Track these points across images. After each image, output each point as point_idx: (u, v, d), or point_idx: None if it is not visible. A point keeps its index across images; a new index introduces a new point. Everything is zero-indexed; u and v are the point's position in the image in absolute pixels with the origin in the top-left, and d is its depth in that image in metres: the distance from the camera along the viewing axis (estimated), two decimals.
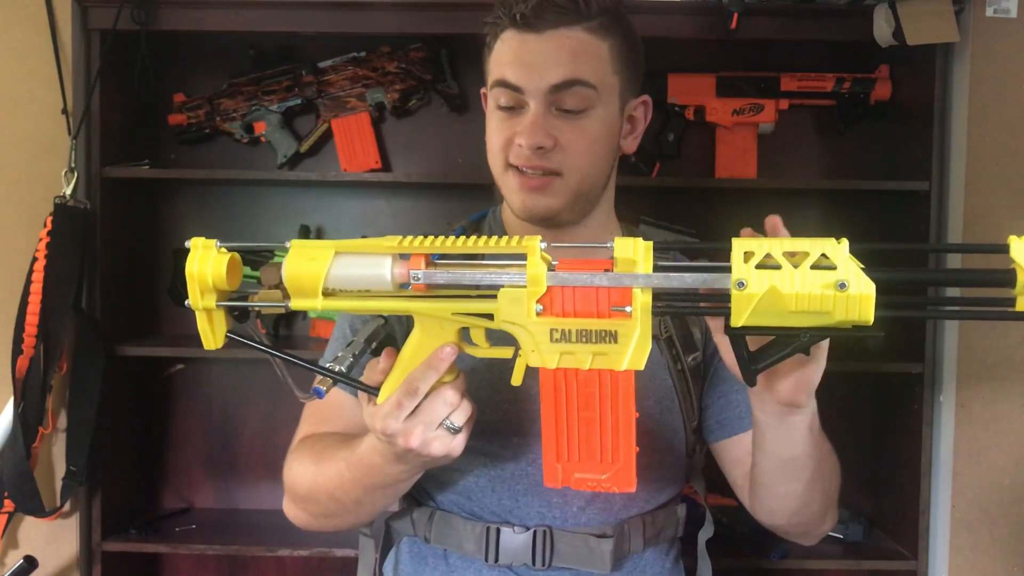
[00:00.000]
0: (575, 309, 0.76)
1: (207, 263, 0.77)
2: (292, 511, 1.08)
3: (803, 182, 1.87)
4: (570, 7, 1.00)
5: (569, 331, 0.76)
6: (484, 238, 0.76)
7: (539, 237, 0.76)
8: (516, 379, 0.82)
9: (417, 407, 0.82)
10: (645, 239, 1.17)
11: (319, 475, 1.01)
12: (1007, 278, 0.69)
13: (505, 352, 0.82)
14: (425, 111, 1.90)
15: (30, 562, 1.63)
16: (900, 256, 0.93)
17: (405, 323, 1.07)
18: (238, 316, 0.80)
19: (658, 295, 0.75)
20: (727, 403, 1.11)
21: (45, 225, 1.66)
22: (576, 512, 1.04)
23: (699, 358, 1.10)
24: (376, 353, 0.90)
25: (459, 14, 1.65)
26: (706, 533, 1.19)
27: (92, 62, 1.68)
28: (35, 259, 1.65)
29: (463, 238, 0.76)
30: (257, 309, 0.80)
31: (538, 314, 0.76)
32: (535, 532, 1.03)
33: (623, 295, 0.74)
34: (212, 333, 0.79)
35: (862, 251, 0.71)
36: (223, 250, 0.78)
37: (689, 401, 1.08)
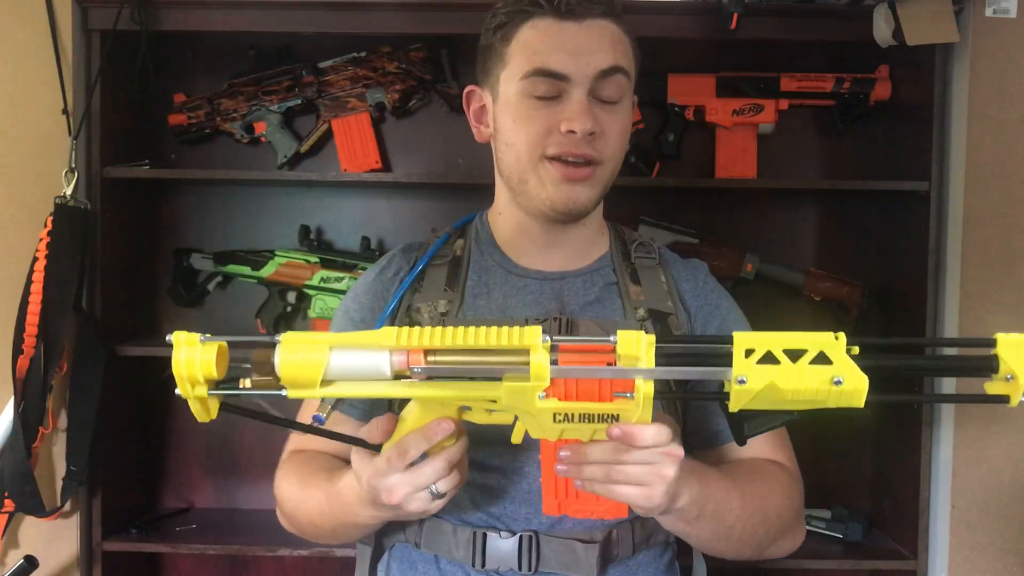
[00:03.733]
0: (577, 394, 0.78)
1: (193, 358, 0.76)
2: (282, 521, 1.14)
3: (803, 182, 1.87)
4: (607, 0, 1.03)
5: (572, 414, 0.79)
6: (484, 329, 0.76)
7: (540, 329, 0.76)
8: (516, 439, 0.85)
9: (411, 466, 0.85)
10: (645, 239, 1.17)
11: (302, 501, 1.05)
12: (990, 366, 0.75)
13: (505, 418, 0.85)
14: (425, 111, 1.90)
15: (30, 562, 1.63)
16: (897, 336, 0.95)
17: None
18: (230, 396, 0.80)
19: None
20: (705, 416, 1.11)
21: (45, 225, 1.66)
22: (562, 518, 1.04)
23: None
24: None
25: (459, 14, 1.65)
26: (705, 552, 1.18)
27: (92, 62, 1.68)
28: (35, 259, 1.65)
29: (462, 329, 0.76)
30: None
31: (541, 400, 0.78)
32: (521, 537, 1.03)
33: (626, 382, 0.77)
34: (205, 412, 0.79)
35: (859, 344, 0.75)
36: (208, 343, 0.76)
37: (673, 406, 1.09)
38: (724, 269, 1.78)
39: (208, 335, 0.77)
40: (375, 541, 1.13)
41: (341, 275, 1.81)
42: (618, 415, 0.79)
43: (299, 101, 1.84)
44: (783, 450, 1.11)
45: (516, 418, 0.83)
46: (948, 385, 1.68)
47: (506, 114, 1.06)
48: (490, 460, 1.04)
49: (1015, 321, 1.68)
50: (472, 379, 0.79)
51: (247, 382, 0.78)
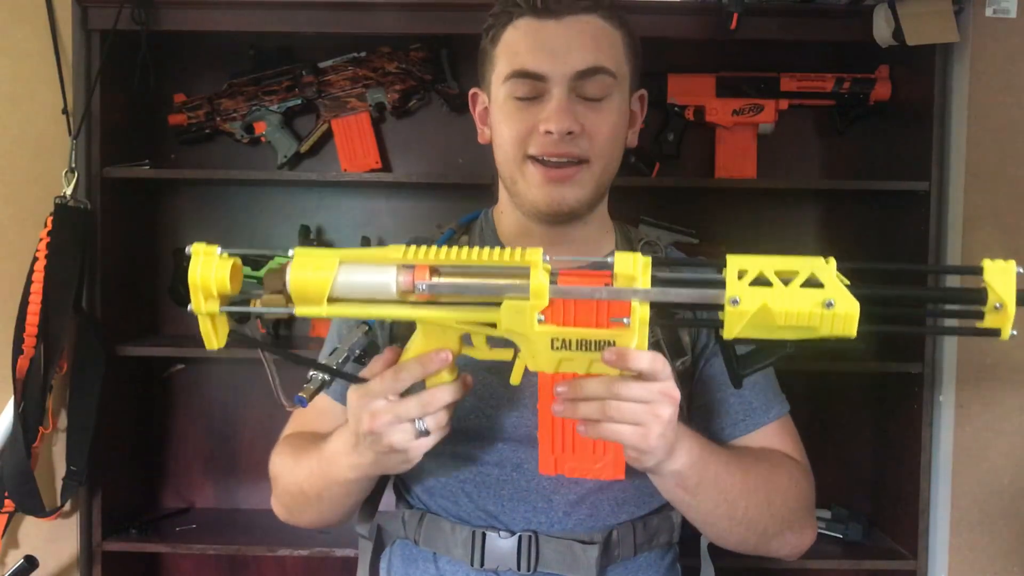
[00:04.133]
0: (575, 319, 0.78)
1: (209, 270, 0.77)
2: (274, 504, 1.14)
3: (803, 182, 1.87)
4: None
5: (569, 340, 0.79)
6: (487, 249, 0.78)
7: (541, 250, 0.77)
8: (515, 379, 0.84)
9: (398, 401, 0.84)
10: (651, 239, 1.17)
11: (294, 470, 1.05)
12: (979, 296, 0.75)
13: (505, 354, 0.85)
14: (425, 111, 1.90)
15: (30, 562, 1.64)
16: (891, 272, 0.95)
17: (389, 332, 1.08)
18: (239, 318, 0.81)
19: (654, 306, 0.78)
20: (711, 410, 1.10)
21: (45, 225, 1.66)
22: (562, 517, 1.03)
23: (688, 362, 1.09)
24: (359, 360, 0.92)
25: (459, 14, 1.65)
26: (708, 537, 1.18)
27: (92, 62, 1.68)
28: (35, 259, 1.65)
29: (466, 249, 0.78)
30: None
31: (540, 323, 0.78)
32: (520, 537, 1.03)
33: (622, 307, 0.77)
34: (215, 335, 0.80)
35: (849, 270, 0.75)
36: (225, 256, 0.78)
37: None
38: None
39: (226, 250, 0.78)
40: (376, 537, 1.13)
41: None
42: (614, 341, 0.78)
43: (299, 101, 1.84)
44: (792, 442, 1.09)
45: (516, 355, 0.84)
46: (948, 387, 1.68)
47: (497, 115, 1.06)
48: (488, 455, 1.04)
49: (1015, 320, 1.67)
50: (474, 304, 0.79)
51: (257, 303, 0.79)
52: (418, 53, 1.82)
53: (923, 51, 1.62)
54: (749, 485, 0.97)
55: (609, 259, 0.77)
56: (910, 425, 1.71)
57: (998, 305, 0.74)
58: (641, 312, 0.77)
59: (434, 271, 0.78)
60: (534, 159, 1.02)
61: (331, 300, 0.78)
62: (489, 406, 1.03)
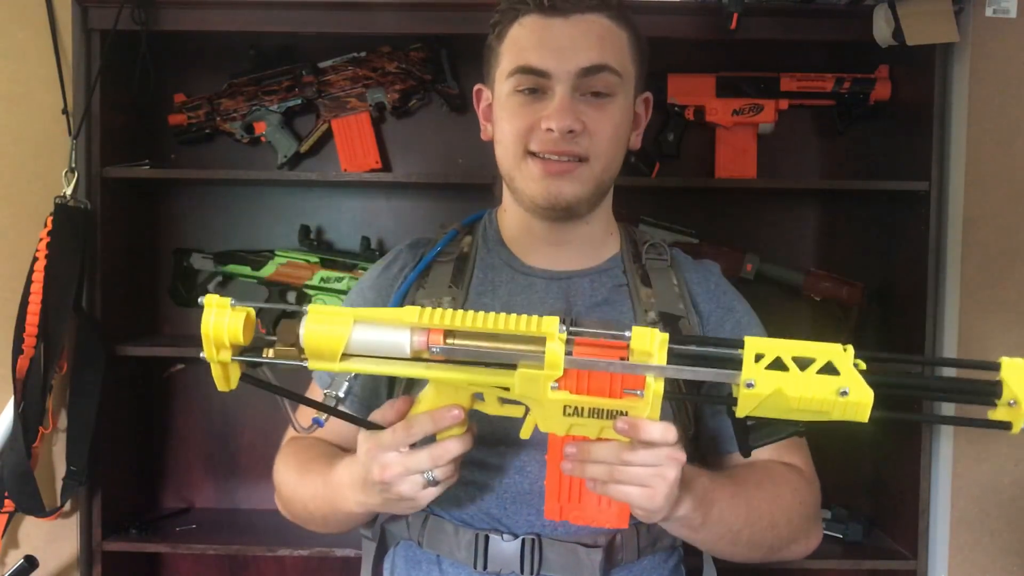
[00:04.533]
0: (589, 388, 0.79)
1: (222, 323, 0.77)
2: (278, 503, 1.15)
3: (803, 182, 1.87)
4: None
5: (582, 408, 0.80)
6: (503, 316, 0.78)
7: (557, 319, 0.78)
8: (525, 433, 0.86)
9: (409, 453, 0.86)
10: (656, 240, 1.17)
11: (300, 486, 1.06)
12: (994, 390, 0.76)
13: (516, 411, 0.86)
14: (425, 111, 1.90)
15: (30, 562, 1.64)
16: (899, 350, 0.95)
17: None
18: (250, 365, 0.81)
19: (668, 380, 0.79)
20: (718, 422, 1.11)
21: (45, 225, 1.66)
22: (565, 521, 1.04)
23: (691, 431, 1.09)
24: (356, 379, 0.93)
25: (459, 14, 1.65)
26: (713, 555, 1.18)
27: (92, 62, 1.68)
28: (35, 259, 1.65)
29: (482, 314, 0.78)
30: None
31: (553, 390, 0.79)
32: (524, 540, 1.03)
33: (636, 379, 0.78)
34: (226, 379, 0.81)
35: (867, 357, 0.77)
36: (237, 308, 0.78)
37: (684, 410, 1.08)
38: (724, 269, 1.77)
39: (238, 304, 0.78)
40: (380, 537, 1.13)
41: (341, 275, 1.81)
42: (627, 412, 0.79)
43: (299, 101, 1.84)
44: (798, 452, 1.10)
45: (527, 412, 0.85)
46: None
47: (499, 111, 1.06)
48: (491, 458, 1.03)
49: (1015, 320, 1.68)
50: (488, 365, 0.80)
51: (270, 352, 0.80)
52: (418, 53, 1.82)
53: (923, 51, 1.62)
54: (753, 514, 0.98)
55: (627, 333, 0.78)
56: (910, 425, 1.71)
57: (1012, 402, 0.75)
58: (656, 387, 0.78)
59: (449, 333, 0.79)
60: (534, 155, 1.02)
61: (344, 357, 0.79)
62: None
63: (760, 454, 1.05)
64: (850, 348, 0.76)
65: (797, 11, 1.67)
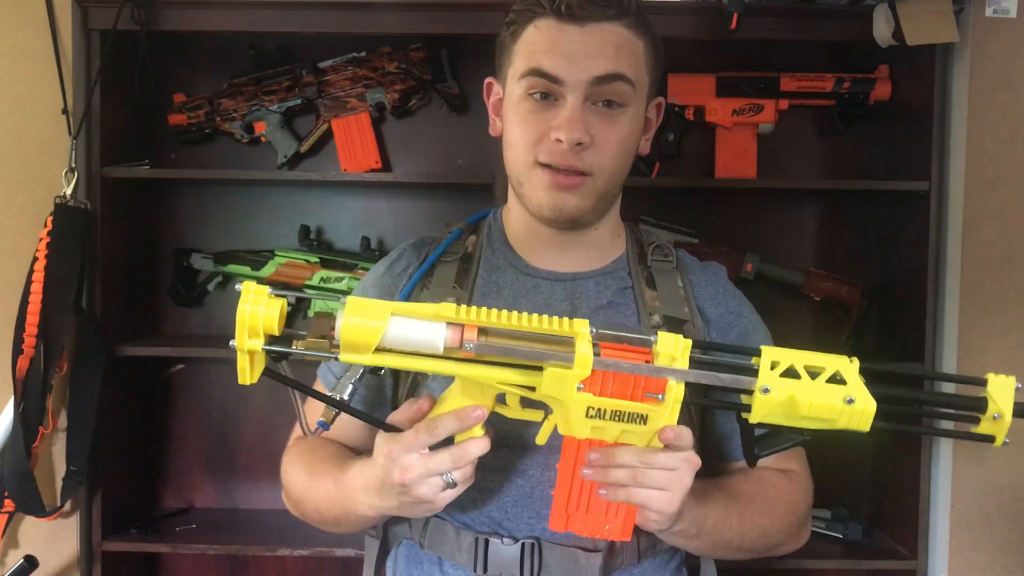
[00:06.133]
0: (612, 391, 0.82)
1: (259, 311, 0.77)
2: (287, 502, 1.13)
3: (803, 182, 1.87)
4: (613, 1, 1.00)
5: (604, 410, 0.82)
6: (536, 316, 0.80)
7: (587, 321, 0.80)
8: (542, 438, 0.88)
9: (429, 455, 0.86)
10: (662, 242, 1.17)
11: (310, 488, 1.06)
12: (980, 405, 0.83)
13: (535, 415, 0.88)
14: (425, 111, 1.90)
15: (30, 562, 1.64)
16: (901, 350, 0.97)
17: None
18: (276, 357, 0.81)
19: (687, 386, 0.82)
20: (723, 427, 1.12)
21: (45, 225, 1.66)
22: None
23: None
24: (375, 372, 0.95)
25: (459, 14, 1.65)
26: None
27: (92, 62, 1.68)
28: (35, 259, 1.65)
29: (515, 314, 0.80)
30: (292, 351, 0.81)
31: (578, 391, 0.81)
32: (524, 544, 1.03)
33: (657, 384, 0.81)
34: (250, 371, 0.80)
35: (866, 370, 0.83)
36: (273, 297, 0.77)
37: (690, 416, 1.07)
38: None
39: (275, 292, 0.78)
40: (383, 536, 1.13)
41: (341, 275, 1.81)
42: (647, 416, 0.82)
43: (299, 101, 1.84)
44: (796, 458, 1.11)
45: (545, 416, 0.87)
46: (947, 388, 1.68)
47: (510, 113, 1.05)
48: (494, 462, 1.03)
49: (1015, 320, 1.68)
50: (515, 367, 0.82)
51: (300, 344, 0.80)
52: (418, 53, 1.82)
53: (923, 51, 1.62)
54: (745, 526, 1.01)
55: (652, 337, 0.81)
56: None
57: (996, 415, 0.82)
58: (677, 391, 0.81)
59: (481, 331, 0.80)
60: (543, 165, 1.02)
61: (377, 350, 0.79)
62: (496, 415, 1.03)
63: (760, 461, 1.06)
64: (856, 361, 0.81)
65: (797, 11, 1.67)
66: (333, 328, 0.78)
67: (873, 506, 1.89)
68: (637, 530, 1.05)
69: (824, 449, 1.85)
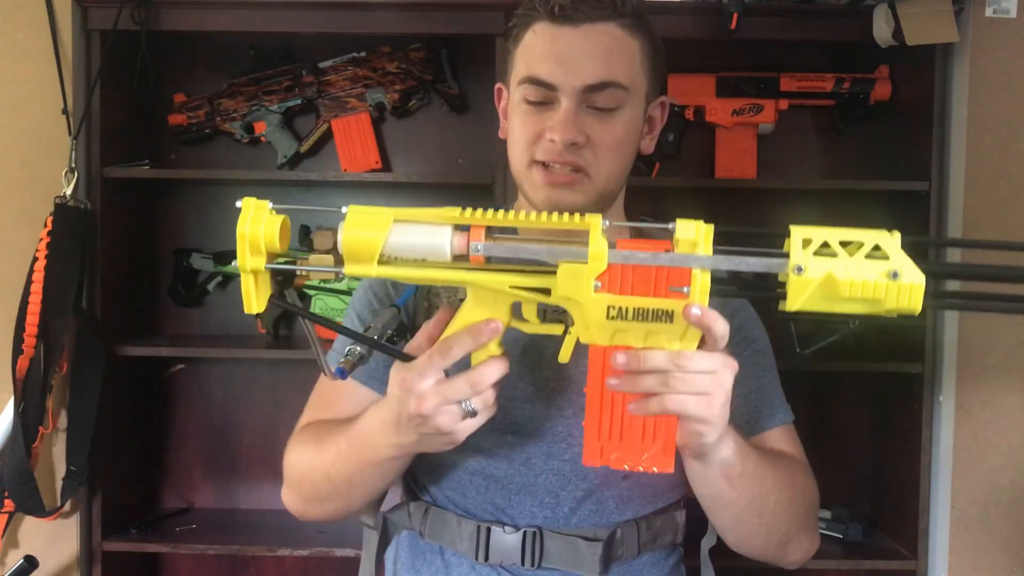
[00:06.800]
0: (632, 288, 0.76)
1: (259, 224, 0.75)
2: (288, 496, 1.08)
3: (803, 182, 1.87)
4: (607, 2, 1.00)
5: (626, 309, 0.76)
6: (544, 213, 0.76)
7: (600, 215, 0.76)
8: (564, 356, 0.82)
9: (445, 381, 0.81)
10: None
11: (317, 455, 1.00)
12: None
13: (555, 329, 0.83)
14: (425, 111, 1.90)
15: (30, 562, 1.64)
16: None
17: (421, 312, 1.06)
18: (282, 281, 0.79)
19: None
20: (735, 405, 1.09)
21: (45, 225, 1.66)
22: (567, 513, 1.04)
23: None
24: (392, 341, 0.90)
25: (459, 14, 1.65)
26: (708, 541, 1.16)
27: (92, 62, 1.68)
28: (35, 259, 1.65)
29: (523, 212, 0.76)
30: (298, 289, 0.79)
31: (596, 291, 0.76)
32: (525, 532, 1.03)
33: (681, 276, 0.75)
34: (255, 297, 0.77)
35: (910, 243, 0.74)
36: (273, 212, 0.76)
37: None
38: None
39: (276, 206, 0.76)
40: (382, 528, 1.12)
41: None
42: (672, 312, 0.76)
43: (299, 101, 1.84)
44: (797, 448, 1.10)
45: (565, 331, 0.81)
46: (948, 387, 1.68)
47: (512, 115, 1.07)
48: (498, 448, 1.03)
49: (1015, 320, 1.68)
50: (527, 273, 0.78)
51: (305, 260, 0.78)
52: (418, 53, 1.82)
53: (923, 51, 1.62)
54: (779, 482, 0.97)
55: (670, 225, 0.76)
56: (910, 425, 1.71)
57: None
58: (703, 280, 0.75)
59: (489, 233, 0.76)
60: (540, 164, 1.03)
61: (382, 261, 0.76)
62: (503, 396, 1.03)
63: (759, 443, 1.05)
64: (896, 233, 0.73)
65: (797, 11, 1.67)
66: (337, 242, 0.76)
67: (873, 506, 1.89)
68: (638, 522, 1.05)
69: (824, 449, 1.86)
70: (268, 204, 0.76)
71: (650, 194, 1.85)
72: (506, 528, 1.03)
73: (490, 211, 0.76)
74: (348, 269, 0.77)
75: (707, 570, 1.18)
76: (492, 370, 0.82)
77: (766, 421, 1.08)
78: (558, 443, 1.03)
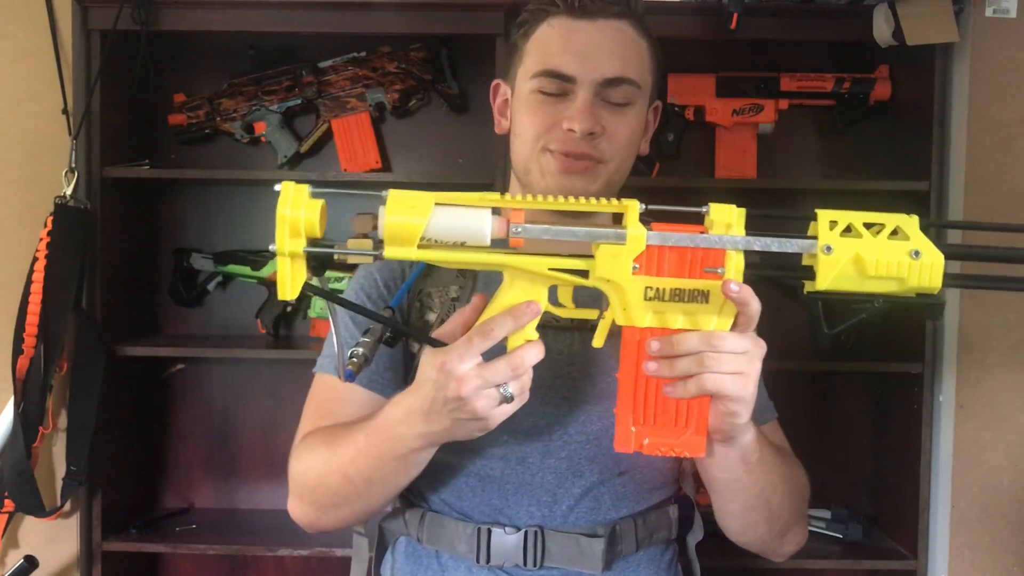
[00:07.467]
0: (668, 270, 0.79)
1: (299, 207, 0.75)
2: (298, 508, 1.05)
3: (803, 182, 1.87)
4: (622, 0, 1.02)
5: (663, 290, 0.79)
6: (583, 198, 0.78)
7: (637, 200, 0.79)
8: (598, 341, 0.84)
9: (485, 364, 0.81)
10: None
11: (333, 456, 0.98)
12: None
13: (590, 314, 0.84)
14: (425, 111, 1.90)
15: (30, 562, 1.64)
16: None
17: (413, 312, 1.06)
18: (316, 268, 0.79)
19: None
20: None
21: (45, 225, 1.66)
22: (565, 511, 1.03)
23: None
24: (389, 343, 0.90)
25: (459, 14, 1.65)
26: (695, 536, 1.18)
27: (92, 62, 1.68)
28: (35, 259, 1.65)
29: (561, 198, 0.78)
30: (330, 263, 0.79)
31: (634, 272, 0.79)
32: (526, 532, 1.02)
33: (715, 258, 0.79)
34: (290, 283, 0.78)
35: (926, 226, 0.80)
36: (313, 198, 0.76)
37: None
38: None
39: (316, 191, 0.76)
40: (378, 536, 1.12)
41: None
42: (708, 292, 0.79)
43: (299, 101, 1.84)
44: (786, 443, 1.12)
45: (600, 316, 0.83)
46: (947, 387, 1.68)
47: (519, 107, 1.07)
48: (493, 449, 1.03)
49: (1015, 320, 1.68)
50: (565, 256, 0.80)
51: (344, 245, 0.78)
52: (418, 53, 1.82)
53: (923, 51, 1.62)
54: (784, 472, 0.99)
55: (704, 209, 0.79)
56: (910, 425, 1.71)
57: None
58: (737, 261, 0.78)
59: (529, 218, 0.78)
60: (553, 152, 1.03)
61: (421, 245, 0.77)
62: None
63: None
64: (915, 216, 0.78)
65: (797, 11, 1.67)
66: (379, 224, 0.76)
67: (873, 506, 1.89)
68: (636, 518, 1.05)
69: (824, 449, 1.86)
70: (308, 188, 0.76)
71: (650, 194, 1.85)
72: (506, 529, 1.03)
73: (528, 195, 0.78)
74: (388, 252, 0.77)
75: (694, 565, 1.19)
76: (531, 353, 0.82)
77: (758, 416, 1.08)
78: (555, 441, 1.03)
